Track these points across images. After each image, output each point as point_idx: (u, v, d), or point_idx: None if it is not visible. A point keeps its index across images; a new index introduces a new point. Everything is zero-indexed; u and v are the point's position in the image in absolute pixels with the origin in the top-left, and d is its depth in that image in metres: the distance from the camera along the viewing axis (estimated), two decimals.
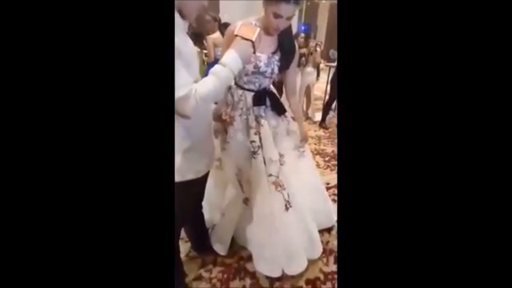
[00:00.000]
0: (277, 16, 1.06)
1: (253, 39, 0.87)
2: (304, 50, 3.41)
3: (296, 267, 1.34)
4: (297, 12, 1.18)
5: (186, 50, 0.81)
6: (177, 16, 0.79)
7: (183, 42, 0.80)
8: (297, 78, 3.48)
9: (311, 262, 1.41)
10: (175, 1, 0.77)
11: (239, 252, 1.49)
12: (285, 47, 1.23)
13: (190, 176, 0.96)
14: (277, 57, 1.23)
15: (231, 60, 0.84)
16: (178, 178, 0.91)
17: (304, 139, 1.46)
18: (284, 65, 1.27)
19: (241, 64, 0.87)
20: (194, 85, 0.79)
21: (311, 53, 3.49)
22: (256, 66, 1.20)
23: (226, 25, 2.58)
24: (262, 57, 1.20)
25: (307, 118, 3.93)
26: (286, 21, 1.09)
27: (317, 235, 1.45)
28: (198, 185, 1.06)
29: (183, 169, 0.93)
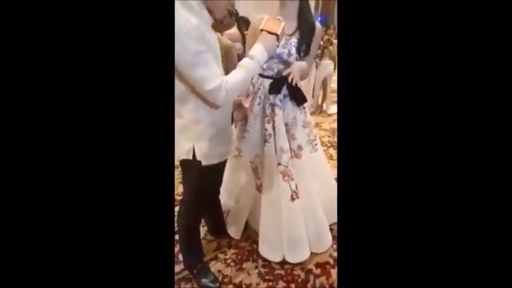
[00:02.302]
0: None
1: (278, 33, 0.94)
2: (320, 42, 3.37)
3: (297, 256, 1.38)
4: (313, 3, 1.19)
5: (214, 44, 0.89)
6: (205, 12, 0.86)
7: (212, 37, 0.88)
8: (313, 69, 3.44)
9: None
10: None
11: (252, 236, 1.56)
12: (304, 28, 1.21)
13: (215, 160, 1.05)
14: (295, 39, 1.23)
15: (258, 53, 0.92)
16: (205, 162, 1.01)
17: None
18: (304, 48, 1.24)
19: (266, 56, 0.94)
20: (224, 77, 0.87)
21: (326, 47, 3.48)
22: None
23: (244, 19, 2.52)
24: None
25: (321, 111, 3.94)
26: None
27: (326, 230, 1.46)
28: (220, 169, 1.16)
29: (209, 154, 1.02)
